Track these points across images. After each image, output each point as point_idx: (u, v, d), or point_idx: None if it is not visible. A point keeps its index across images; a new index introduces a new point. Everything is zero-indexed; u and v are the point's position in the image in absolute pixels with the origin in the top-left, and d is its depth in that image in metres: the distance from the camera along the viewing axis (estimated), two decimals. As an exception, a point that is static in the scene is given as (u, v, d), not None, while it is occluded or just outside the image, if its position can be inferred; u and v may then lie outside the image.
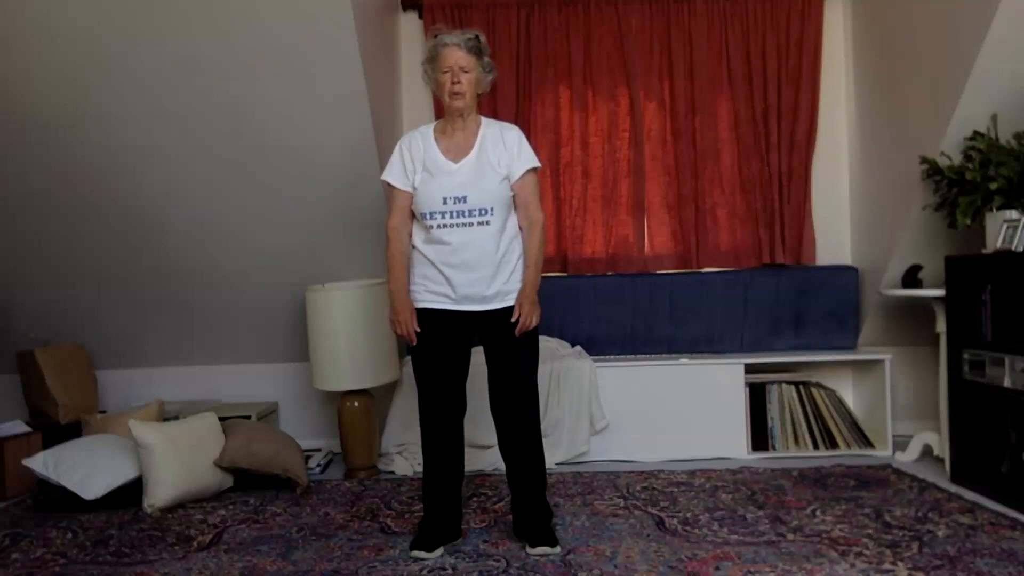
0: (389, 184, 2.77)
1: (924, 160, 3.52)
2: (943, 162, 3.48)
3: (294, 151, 3.71)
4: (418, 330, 2.70)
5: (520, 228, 2.77)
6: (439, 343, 2.73)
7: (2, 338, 4.29)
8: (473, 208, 2.64)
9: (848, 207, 4.40)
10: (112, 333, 4.32)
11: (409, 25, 4.34)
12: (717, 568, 2.48)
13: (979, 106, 3.34)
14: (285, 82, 3.51)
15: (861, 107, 4.24)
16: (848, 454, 3.91)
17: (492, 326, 2.72)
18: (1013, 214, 3.17)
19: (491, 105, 4.20)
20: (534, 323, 2.68)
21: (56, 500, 3.38)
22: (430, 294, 2.72)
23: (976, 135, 3.36)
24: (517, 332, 2.66)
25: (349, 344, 3.74)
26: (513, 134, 2.75)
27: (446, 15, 4.21)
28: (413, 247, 2.77)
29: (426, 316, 2.73)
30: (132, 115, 3.56)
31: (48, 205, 3.85)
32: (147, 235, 3.96)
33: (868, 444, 3.97)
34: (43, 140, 3.62)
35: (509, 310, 2.70)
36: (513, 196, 2.73)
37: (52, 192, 3.80)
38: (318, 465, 3.99)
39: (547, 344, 4.09)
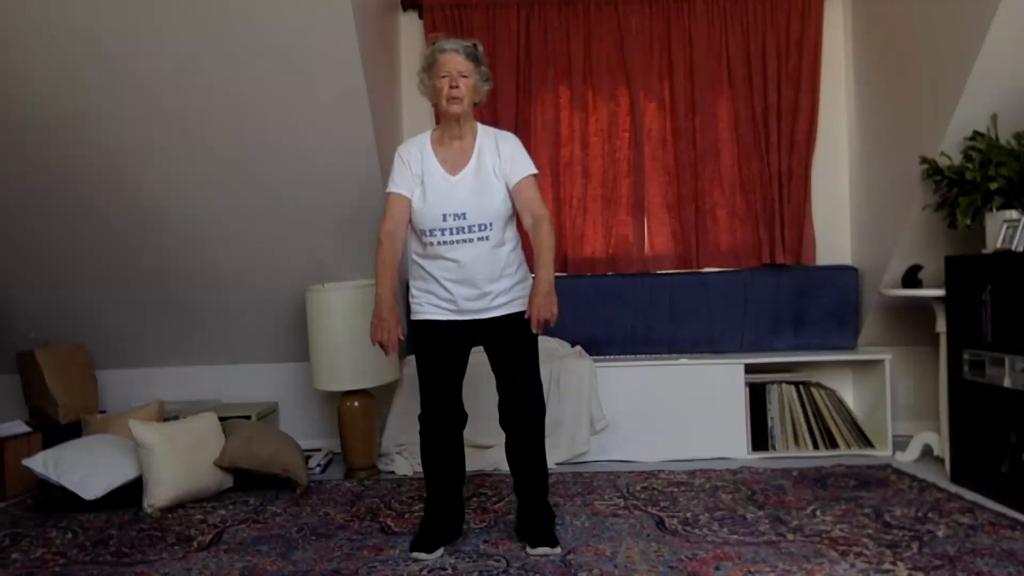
0: (390, 193, 2.72)
1: (924, 160, 3.52)
2: (943, 162, 3.48)
3: (294, 151, 3.71)
4: (402, 338, 2.58)
5: (526, 228, 2.69)
6: (443, 351, 2.72)
7: (2, 338, 4.29)
8: (472, 224, 2.64)
9: (848, 207, 4.40)
10: (112, 333, 4.32)
11: (409, 25, 4.34)
12: (717, 568, 2.48)
13: (979, 106, 3.34)
14: (285, 82, 3.51)
15: (861, 107, 4.24)
16: (848, 454, 3.92)
17: (493, 332, 2.73)
18: (1013, 214, 3.17)
19: (491, 106, 4.19)
20: (551, 315, 2.48)
21: (56, 500, 3.38)
22: (433, 306, 2.72)
23: (976, 135, 3.36)
24: (534, 328, 2.49)
25: (349, 344, 3.74)
26: (509, 143, 2.72)
27: (446, 15, 4.21)
28: (413, 261, 2.77)
29: (429, 327, 2.73)
30: (132, 115, 3.57)
31: (48, 205, 3.85)
32: (147, 235, 3.96)
33: (868, 444, 3.97)
34: (43, 140, 3.62)
35: (509, 316, 2.71)
36: (513, 203, 2.70)
37: (52, 192, 3.80)
38: (318, 465, 3.99)
39: (547, 344, 4.09)
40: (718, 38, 4.26)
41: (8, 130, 3.59)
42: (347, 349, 3.74)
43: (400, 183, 2.71)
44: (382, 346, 2.57)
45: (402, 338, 2.59)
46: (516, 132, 4.07)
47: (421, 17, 4.29)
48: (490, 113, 4.16)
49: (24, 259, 4.05)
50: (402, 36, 4.35)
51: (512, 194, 2.68)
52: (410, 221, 2.72)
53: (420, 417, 2.76)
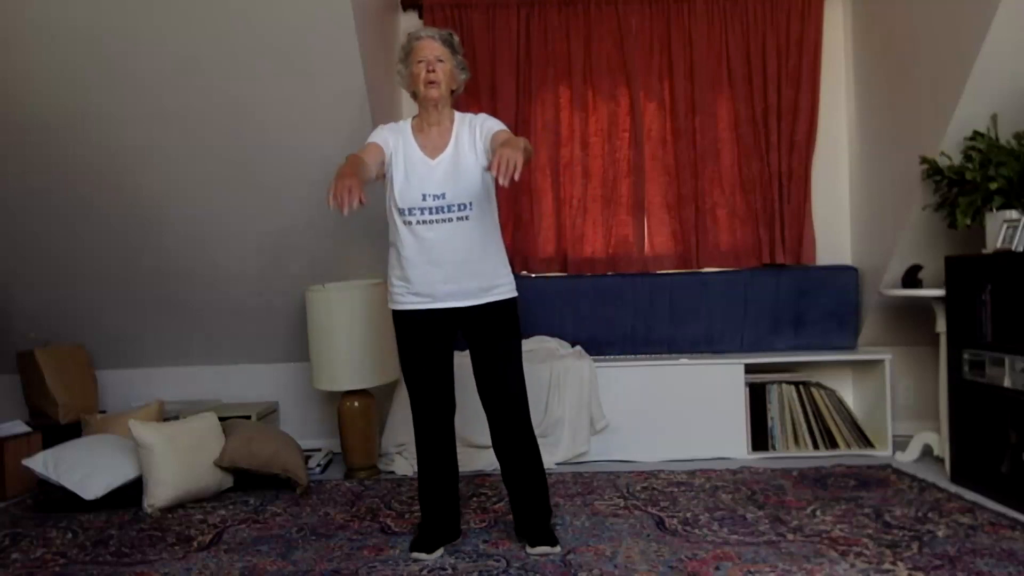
0: (369, 143, 2.69)
1: (924, 160, 3.52)
2: (943, 162, 3.48)
3: (294, 151, 3.71)
4: (364, 201, 2.31)
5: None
6: (425, 343, 2.73)
7: (2, 338, 4.29)
8: (452, 204, 2.64)
9: (848, 207, 4.40)
10: (112, 333, 4.33)
11: (409, 25, 4.33)
12: (717, 568, 2.48)
13: (979, 106, 3.34)
14: (285, 82, 3.51)
15: (861, 107, 4.24)
16: (848, 454, 3.92)
17: (475, 323, 2.72)
18: (1013, 214, 3.17)
19: (491, 105, 4.20)
20: (515, 159, 2.27)
21: (56, 500, 3.38)
22: (412, 295, 2.71)
23: (976, 135, 3.36)
24: (493, 170, 2.28)
25: (349, 344, 3.74)
26: (481, 116, 2.76)
27: (446, 15, 4.22)
28: (391, 246, 2.76)
29: (409, 317, 2.72)
30: (132, 115, 3.57)
31: (48, 205, 3.85)
32: (147, 235, 3.97)
33: (868, 444, 3.97)
34: (43, 140, 3.62)
35: (492, 305, 2.71)
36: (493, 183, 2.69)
37: (52, 192, 3.80)
38: (318, 465, 3.99)
39: (547, 344, 4.09)
40: (718, 38, 4.26)
41: (8, 130, 3.59)
42: (347, 349, 3.74)
43: (378, 137, 2.72)
44: (339, 205, 2.29)
45: (364, 202, 2.32)
46: (516, 132, 4.10)
47: (421, 17, 4.30)
48: (491, 113, 4.15)
49: (24, 259, 4.05)
50: (402, 36, 4.34)
51: (491, 146, 2.63)
52: (391, 200, 2.69)
53: (412, 407, 2.77)
